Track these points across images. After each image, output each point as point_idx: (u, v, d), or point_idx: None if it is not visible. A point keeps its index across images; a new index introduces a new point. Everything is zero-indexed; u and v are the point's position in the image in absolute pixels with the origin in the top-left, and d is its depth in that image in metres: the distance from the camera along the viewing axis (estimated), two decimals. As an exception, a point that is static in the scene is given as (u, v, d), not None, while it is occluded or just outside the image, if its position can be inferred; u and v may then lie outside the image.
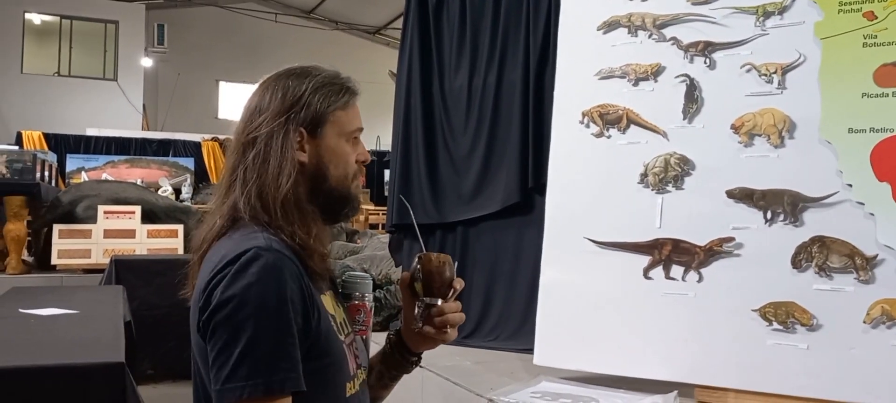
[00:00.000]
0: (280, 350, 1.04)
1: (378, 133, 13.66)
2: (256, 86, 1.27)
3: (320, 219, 1.22)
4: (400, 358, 1.38)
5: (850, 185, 2.43)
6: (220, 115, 17.56)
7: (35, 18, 15.63)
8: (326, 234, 1.25)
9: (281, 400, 1.04)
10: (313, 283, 1.16)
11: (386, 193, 10.79)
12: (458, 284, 1.30)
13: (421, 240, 1.52)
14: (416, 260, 1.31)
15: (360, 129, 1.27)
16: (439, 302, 1.27)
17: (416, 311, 1.28)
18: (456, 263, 1.33)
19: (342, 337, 1.21)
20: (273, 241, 1.11)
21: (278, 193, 1.15)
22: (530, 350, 3.03)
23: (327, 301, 1.21)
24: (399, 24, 6.09)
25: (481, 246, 4.15)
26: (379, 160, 13.45)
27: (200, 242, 1.21)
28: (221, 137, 13.64)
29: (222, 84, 17.87)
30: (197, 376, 1.18)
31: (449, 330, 1.29)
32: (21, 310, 3.22)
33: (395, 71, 4.99)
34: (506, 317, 3.91)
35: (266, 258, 1.07)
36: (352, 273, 1.38)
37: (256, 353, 1.02)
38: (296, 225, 1.15)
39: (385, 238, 5.61)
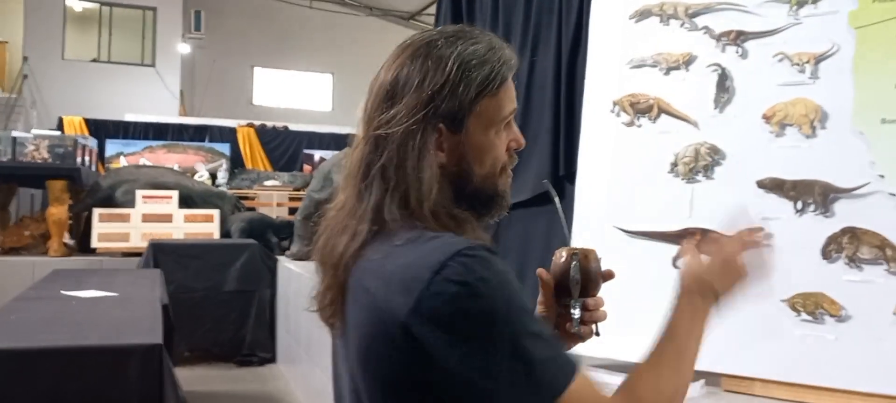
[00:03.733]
0: (544, 338, 0.94)
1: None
2: (393, 54, 1.06)
3: (475, 221, 1.06)
4: None
5: (882, 176, 2.41)
6: (255, 101, 17.74)
7: (76, 5, 15.92)
8: (485, 235, 1.07)
9: (576, 383, 0.95)
10: None
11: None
12: (611, 274, 1.22)
13: (568, 232, 1.36)
14: (563, 256, 1.20)
15: (514, 111, 1.08)
16: (592, 300, 1.19)
17: (573, 313, 1.18)
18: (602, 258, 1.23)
19: None
20: (469, 239, 0.97)
21: (426, 203, 0.99)
22: (559, 338, 3.05)
23: None
24: (433, 9, 6.10)
25: (512, 234, 4.17)
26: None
27: (341, 253, 1.01)
28: (257, 123, 13.78)
29: (257, 70, 18.03)
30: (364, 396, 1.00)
31: (598, 326, 1.20)
32: (63, 292, 3.32)
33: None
34: (536, 305, 3.93)
35: (490, 257, 0.94)
36: None
37: (530, 352, 0.90)
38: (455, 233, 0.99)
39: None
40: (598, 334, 1.22)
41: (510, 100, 1.07)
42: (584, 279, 1.18)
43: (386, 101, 1.02)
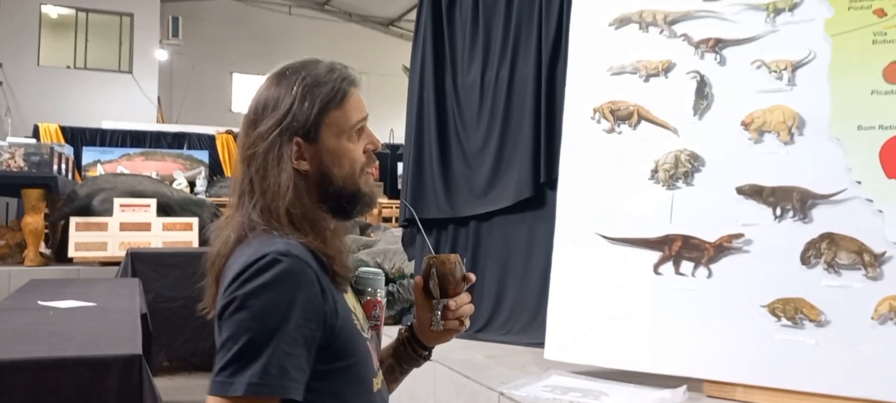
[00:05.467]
0: (274, 357, 1.03)
1: (391, 126, 13.69)
2: (255, 92, 1.26)
3: (334, 221, 1.21)
4: (412, 353, 1.40)
5: (859, 182, 2.44)
6: (234, 108, 17.64)
7: (51, 12, 15.75)
8: (344, 233, 1.24)
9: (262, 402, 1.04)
10: (336, 285, 1.17)
11: (399, 186, 10.82)
12: (471, 277, 1.34)
13: (429, 243, 1.61)
14: (426, 263, 1.33)
15: (364, 119, 1.23)
16: (452, 301, 1.31)
17: (435, 313, 1.31)
18: (465, 259, 1.36)
19: (365, 335, 1.23)
20: (292, 246, 1.11)
21: (282, 208, 1.14)
22: (542, 344, 3.06)
23: (350, 299, 1.23)
24: (413, 16, 6.10)
25: (493, 241, 4.18)
26: (392, 153, 13.47)
27: (215, 257, 1.20)
28: (235, 130, 13.69)
29: (236, 76, 17.94)
30: None
31: (466, 322, 1.34)
32: (40, 302, 3.28)
33: (408, 66, 5.01)
34: (517, 311, 3.93)
35: (284, 263, 1.07)
36: (364, 269, 1.37)
37: (249, 354, 1.03)
38: (308, 234, 1.14)
39: (398, 231, 5.64)
40: (463, 327, 1.35)
41: (357, 109, 1.22)
42: (443, 283, 1.31)
43: (251, 127, 1.20)
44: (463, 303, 1.32)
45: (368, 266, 1.42)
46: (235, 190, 1.21)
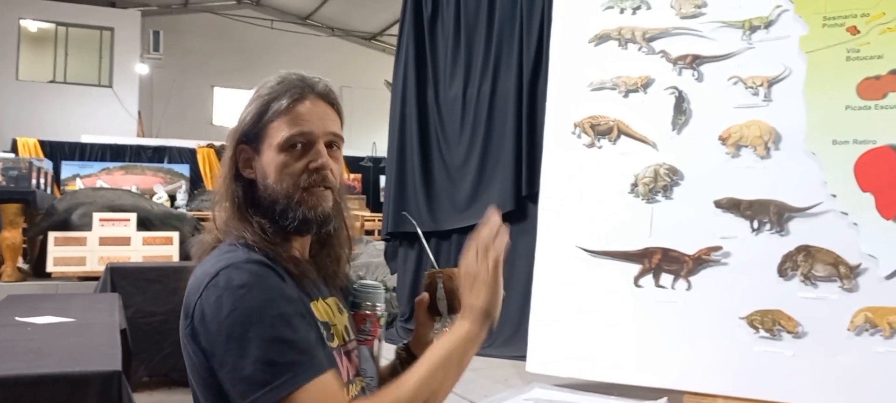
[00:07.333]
0: (282, 345, 1.04)
1: (374, 139, 13.69)
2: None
3: (284, 232, 1.19)
4: None
5: (835, 196, 2.48)
6: (215, 121, 17.57)
7: (30, 25, 15.63)
8: (298, 244, 1.22)
9: (309, 386, 1.04)
10: (302, 290, 1.17)
11: (382, 200, 10.81)
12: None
13: (432, 258, 1.47)
14: (430, 278, 1.27)
15: (298, 133, 1.18)
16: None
17: (441, 331, 1.23)
18: None
19: (334, 343, 1.20)
20: (251, 253, 1.12)
21: (229, 215, 1.18)
22: (524, 357, 3.07)
23: (319, 307, 1.21)
24: (394, 30, 6.14)
25: (475, 254, 4.19)
26: (375, 166, 13.47)
27: (195, 261, 1.22)
28: (217, 143, 13.65)
29: (217, 89, 17.88)
30: (192, 387, 1.19)
31: None
32: (17, 318, 3.24)
33: (390, 80, 5.03)
34: (499, 325, 3.92)
35: (244, 270, 1.09)
36: (364, 282, 1.34)
37: (267, 358, 1.03)
38: (260, 242, 1.15)
39: (381, 245, 5.64)
40: None
41: (295, 123, 1.18)
42: (450, 299, 1.24)
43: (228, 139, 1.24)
44: None
45: (367, 280, 1.37)
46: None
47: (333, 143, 1.22)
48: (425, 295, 1.29)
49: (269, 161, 1.18)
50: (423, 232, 4.42)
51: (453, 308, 1.25)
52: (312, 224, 1.19)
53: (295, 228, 1.18)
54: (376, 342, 1.33)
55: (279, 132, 1.17)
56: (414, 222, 1.53)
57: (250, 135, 1.19)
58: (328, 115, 1.21)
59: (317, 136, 1.19)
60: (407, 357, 1.36)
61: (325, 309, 1.22)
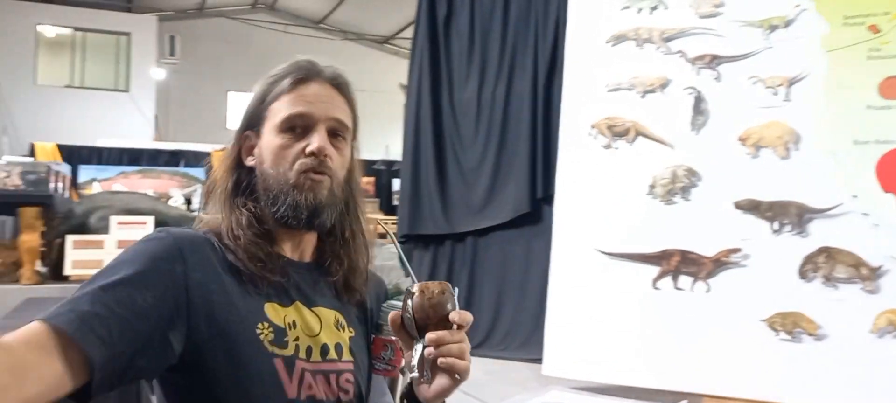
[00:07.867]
0: (83, 296, 0.91)
1: (387, 142, 13.70)
2: None
3: (266, 223, 1.09)
4: None
5: (856, 197, 2.45)
6: (230, 126, 17.62)
7: (48, 31, 15.76)
8: (292, 243, 1.11)
9: (44, 330, 0.87)
10: (256, 286, 1.03)
11: (395, 203, 10.80)
12: (457, 318, 0.98)
13: (410, 271, 1.20)
14: (407, 294, 1.01)
15: (299, 116, 1.08)
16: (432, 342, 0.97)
17: (413, 361, 0.99)
18: (457, 289, 1.02)
19: (277, 350, 1.03)
20: (195, 231, 1.08)
21: (218, 194, 1.13)
22: (540, 360, 3.05)
23: (273, 309, 1.05)
24: (408, 33, 6.13)
25: (491, 257, 4.18)
26: (389, 169, 13.47)
27: None
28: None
29: (232, 94, 17.96)
30: None
31: (458, 365, 1.00)
32: (37, 321, 3.26)
33: (404, 83, 5.03)
34: (515, 327, 3.93)
35: (155, 233, 1.04)
36: (392, 302, 1.16)
37: (85, 292, 0.93)
38: (229, 223, 1.08)
39: (393, 248, 5.62)
40: (423, 376, 0.99)
41: (296, 103, 1.10)
42: (419, 319, 0.98)
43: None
44: (444, 343, 0.98)
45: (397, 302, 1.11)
46: None
47: (338, 132, 1.11)
48: (396, 315, 1.03)
49: (267, 143, 1.10)
50: (439, 234, 4.42)
51: (423, 330, 0.97)
52: (302, 210, 1.07)
53: (282, 215, 1.07)
54: (401, 375, 1.11)
55: (279, 112, 1.10)
56: (391, 234, 1.32)
57: (253, 119, 1.13)
58: (334, 101, 1.12)
59: (317, 119, 1.09)
60: (410, 397, 1.08)
61: (277, 311, 1.06)
